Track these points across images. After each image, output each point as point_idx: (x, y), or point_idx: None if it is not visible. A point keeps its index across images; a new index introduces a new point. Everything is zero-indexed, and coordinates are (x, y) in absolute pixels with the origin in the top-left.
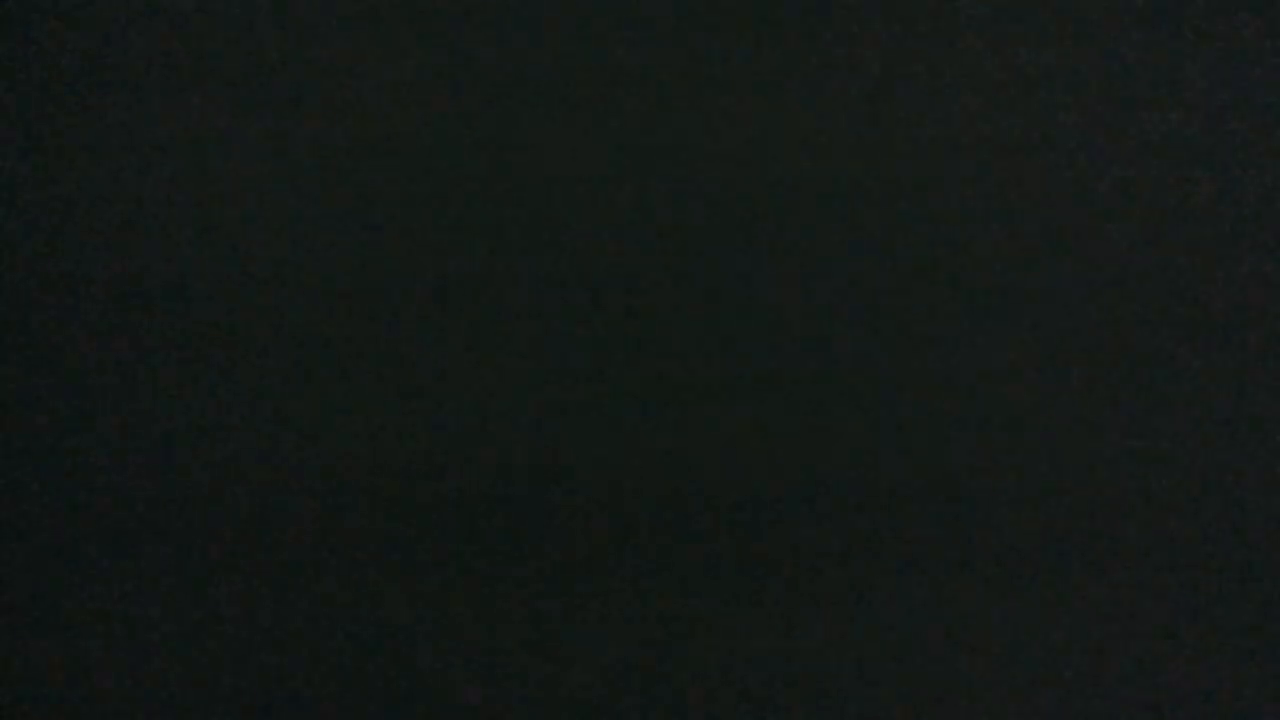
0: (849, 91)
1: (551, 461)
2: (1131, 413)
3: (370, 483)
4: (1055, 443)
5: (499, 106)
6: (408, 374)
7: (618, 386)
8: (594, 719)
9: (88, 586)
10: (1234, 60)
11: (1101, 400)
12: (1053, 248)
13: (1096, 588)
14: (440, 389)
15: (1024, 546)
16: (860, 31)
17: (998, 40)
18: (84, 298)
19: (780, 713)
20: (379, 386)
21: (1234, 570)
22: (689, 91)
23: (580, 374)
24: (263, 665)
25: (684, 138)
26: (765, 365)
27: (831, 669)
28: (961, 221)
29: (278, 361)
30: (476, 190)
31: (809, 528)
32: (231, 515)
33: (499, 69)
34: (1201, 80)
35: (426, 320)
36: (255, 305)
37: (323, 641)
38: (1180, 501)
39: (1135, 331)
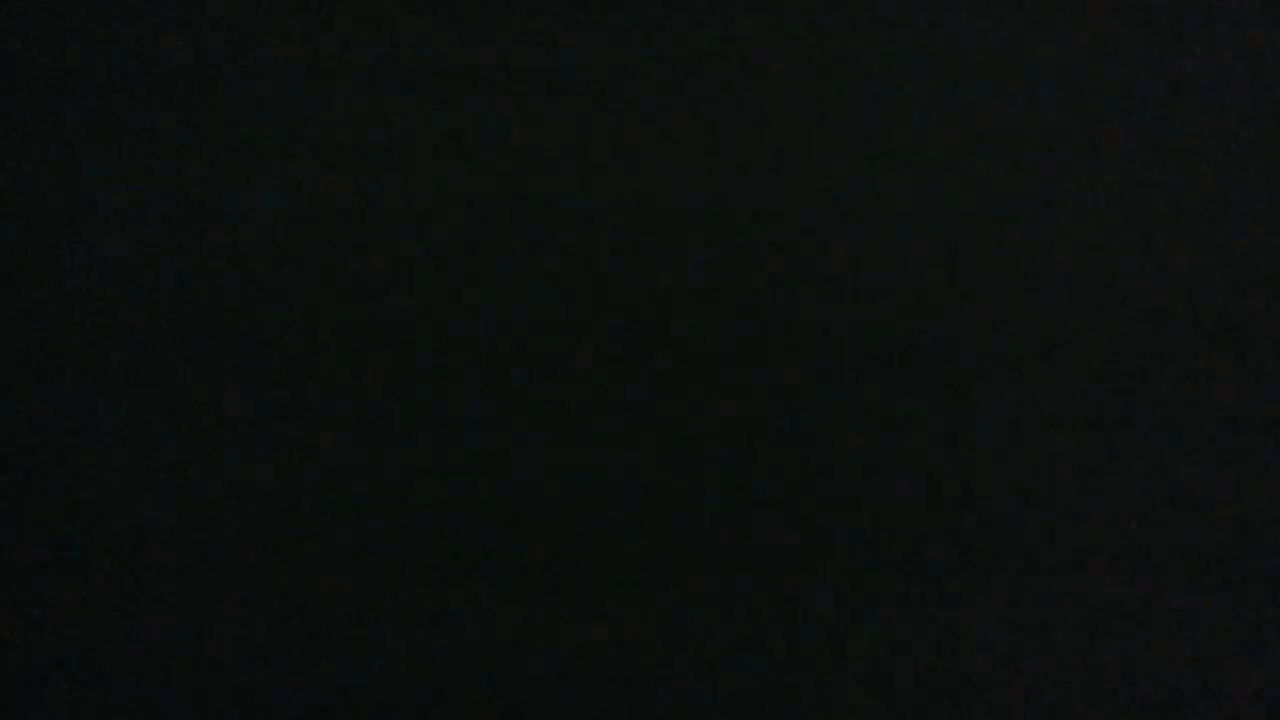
0: (847, 90)
1: (551, 463)
2: (1130, 413)
3: (370, 486)
4: (1055, 443)
5: (502, 106)
6: (407, 378)
7: (617, 387)
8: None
9: (87, 587)
10: (1234, 60)
11: (1101, 400)
12: (1052, 247)
13: (1095, 588)
14: (439, 393)
15: (1023, 547)
16: (860, 30)
17: (997, 38)
18: (83, 297)
19: (779, 713)
20: (379, 391)
21: (1234, 570)
22: (688, 92)
23: (581, 375)
24: (262, 668)
25: (683, 137)
26: (764, 365)
27: (831, 669)
28: (959, 221)
29: (276, 365)
30: (478, 191)
31: (808, 528)
32: (229, 520)
33: (503, 69)
34: (1201, 80)
35: (426, 324)
36: (255, 308)
37: (322, 645)
38: (1179, 502)
39: (1135, 331)
